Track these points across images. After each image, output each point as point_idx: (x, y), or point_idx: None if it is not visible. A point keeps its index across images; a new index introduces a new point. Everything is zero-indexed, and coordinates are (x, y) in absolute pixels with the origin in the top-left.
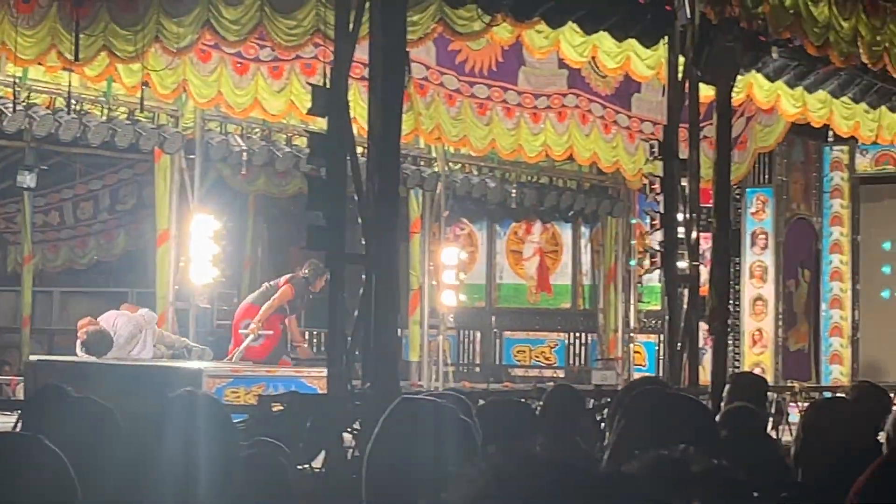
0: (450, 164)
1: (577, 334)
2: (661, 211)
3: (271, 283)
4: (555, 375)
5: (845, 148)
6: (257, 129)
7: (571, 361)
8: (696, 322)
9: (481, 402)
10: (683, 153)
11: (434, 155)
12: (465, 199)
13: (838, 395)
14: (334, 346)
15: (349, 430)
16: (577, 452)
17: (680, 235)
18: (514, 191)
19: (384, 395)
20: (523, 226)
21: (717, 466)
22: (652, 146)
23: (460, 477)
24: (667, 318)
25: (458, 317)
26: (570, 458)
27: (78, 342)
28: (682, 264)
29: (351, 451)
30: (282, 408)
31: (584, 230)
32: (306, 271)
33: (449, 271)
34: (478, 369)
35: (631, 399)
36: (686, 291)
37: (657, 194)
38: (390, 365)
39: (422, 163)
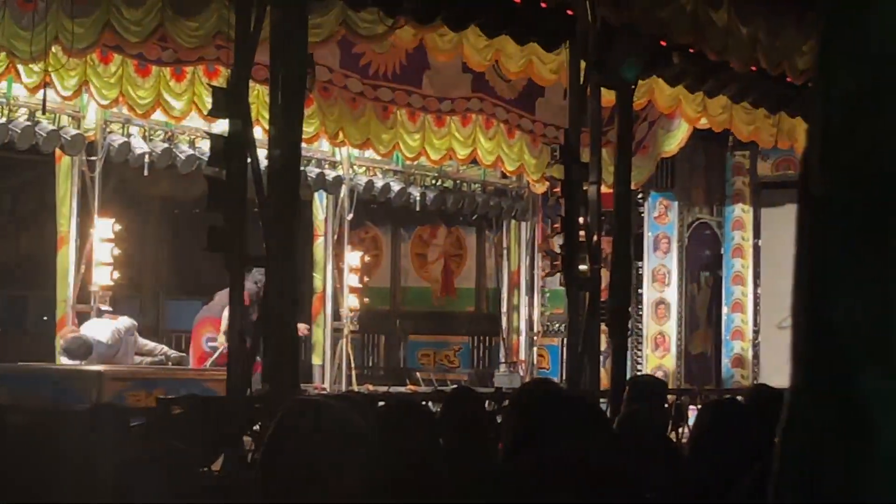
0: (354, 167)
1: (482, 337)
2: (563, 214)
3: (223, 292)
4: (458, 379)
5: (746, 153)
6: (160, 132)
7: (475, 364)
8: (597, 325)
9: (381, 403)
10: (585, 157)
11: (338, 158)
12: (369, 202)
13: (731, 396)
14: (234, 348)
15: (249, 433)
16: (475, 453)
17: (581, 239)
18: (418, 194)
19: (284, 397)
20: (428, 229)
21: (610, 466)
22: (554, 150)
23: (349, 475)
24: (568, 320)
25: (362, 320)
26: (467, 457)
27: (58, 348)
28: (584, 267)
29: (251, 454)
30: (181, 411)
31: (489, 233)
32: (259, 277)
33: (353, 274)
34: (382, 372)
35: (527, 401)
36: (587, 295)
37: (559, 198)
38: (290, 368)
39: (326, 166)
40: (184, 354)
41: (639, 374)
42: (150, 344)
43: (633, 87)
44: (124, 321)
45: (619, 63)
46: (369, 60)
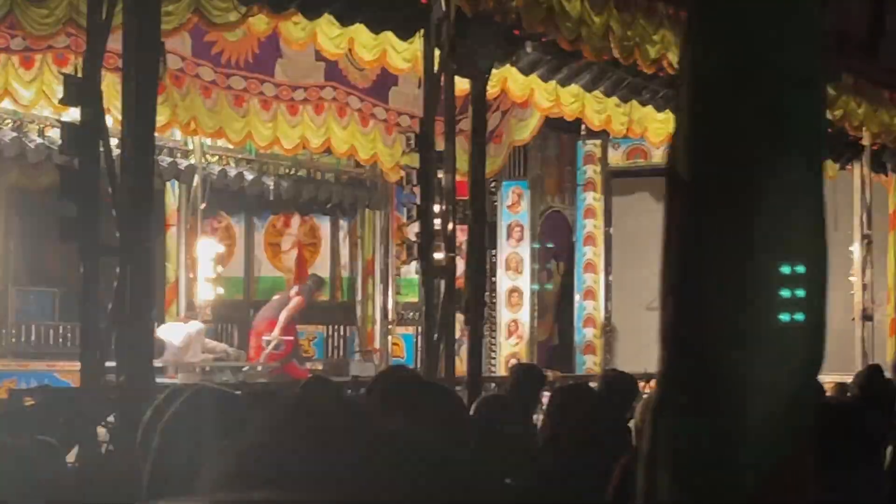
0: (207, 156)
1: (337, 327)
2: (418, 203)
3: (281, 294)
4: (314, 368)
5: (598, 142)
6: (8, 121)
7: (331, 354)
8: (453, 313)
9: (237, 393)
10: (440, 146)
11: (190, 147)
12: (222, 191)
13: (582, 382)
14: (87, 339)
15: (103, 424)
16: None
17: (437, 227)
18: (272, 183)
19: (138, 389)
20: (281, 218)
21: (464, 455)
22: (409, 138)
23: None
24: (423, 309)
25: (216, 310)
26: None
27: None
28: (440, 256)
29: (105, 445)
30: (34, 402)
31: (343, 223)
32: (310, 283)
33: (206, 264)
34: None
35: (385, 387)
36: (443, 283)
37: (414, 186)
38: (145, 359)
39: (178, 155)
40: (241, 351)
41: (520, 362)
42: (212, 342)
43: (487, 76)
44: (195, 325)
45: (474, 52)
46: (222, 49)
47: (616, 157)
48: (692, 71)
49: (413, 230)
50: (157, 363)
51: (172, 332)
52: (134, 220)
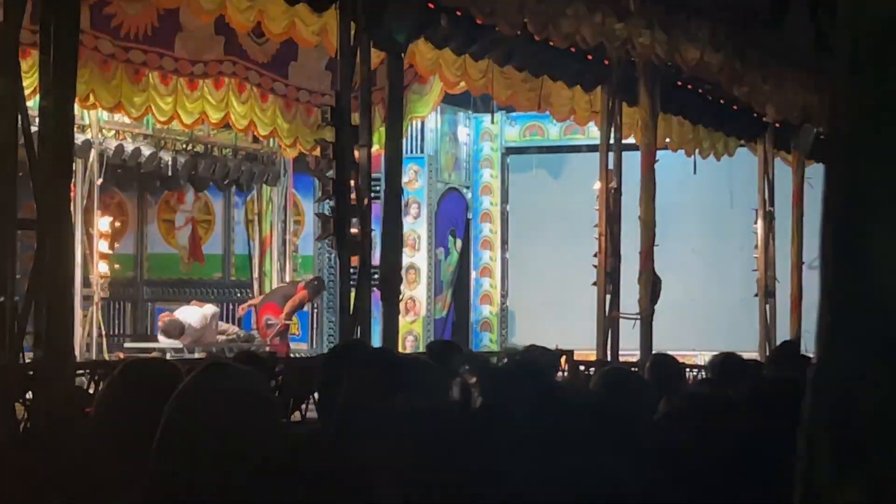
0: (103, 130)
1: (231, 305)
2: (334, 178)
3: (286, 285)
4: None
5: (496, 117)
6: None
7: None
8: (369, 289)
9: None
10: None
11: (87, 121)
12: (117, 166)
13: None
14: (3, 316)
15: (21, 401)
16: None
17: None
18: (169, 159)
19: (58, 366)
20: (175, 195)
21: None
22: (325, 112)
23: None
24: (338, 286)
25: (109, 287)
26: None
27: (158, 329)
28: (355, 231)
29: (23, 423)
30: None
31: (237, 199)
32: (315, 282)
33: (103, 241)
34: (128, 340)
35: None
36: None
37: (331, 160)
38: (63, 334)
39: (75, 129)
40: (252, 332)
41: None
42: (225, 325)
43: (404, 49)
44: (210, 308)
45: (390, 25)
46: (121, 21)
47: (512, 134)
48: (854, 18)
49: (325, 206)
50: (178, 343)
51: (191, 315)
52: (53, 194)
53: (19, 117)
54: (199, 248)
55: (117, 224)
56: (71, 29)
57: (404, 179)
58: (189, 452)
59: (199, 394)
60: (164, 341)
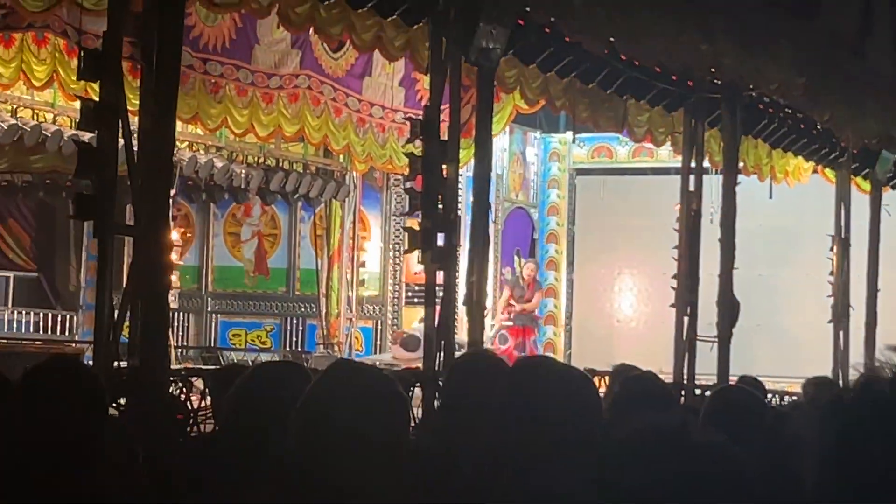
0: (177, 142)
1: (295, 319)
2: (422, 192)
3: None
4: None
5: (564, 138)
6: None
7: (288, 346)
8: (453, 303)
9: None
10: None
11: None
12: (186, 178)
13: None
14: (101, 321)
15: (115, 406)
16: None
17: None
18: (242, 172)
19: (154, 372)
20: (242, 207)
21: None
22: (414, 126)
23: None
24: (426, 299)
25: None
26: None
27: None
28: (441, 245)
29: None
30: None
31: (304, 213)
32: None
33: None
34: (191, 352)
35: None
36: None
37: (417, 174)
38: (160, 341)
39: None
40: None
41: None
42: None
43: (496, 65)
44: None
45: (482, 41)
46: (200, 32)
47: (581, 156)
48: None
49: (414, 221)
50: (413, 355)
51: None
52: (151, 200)
53: (120, 123)
54: (264, 261)
55: (187, 235)
56: (176, 33)
57: (472, 198)
58: (327, 447)
59: (334, 389)
60: (399, 354)
